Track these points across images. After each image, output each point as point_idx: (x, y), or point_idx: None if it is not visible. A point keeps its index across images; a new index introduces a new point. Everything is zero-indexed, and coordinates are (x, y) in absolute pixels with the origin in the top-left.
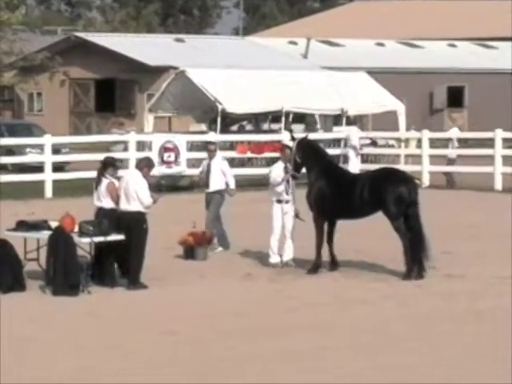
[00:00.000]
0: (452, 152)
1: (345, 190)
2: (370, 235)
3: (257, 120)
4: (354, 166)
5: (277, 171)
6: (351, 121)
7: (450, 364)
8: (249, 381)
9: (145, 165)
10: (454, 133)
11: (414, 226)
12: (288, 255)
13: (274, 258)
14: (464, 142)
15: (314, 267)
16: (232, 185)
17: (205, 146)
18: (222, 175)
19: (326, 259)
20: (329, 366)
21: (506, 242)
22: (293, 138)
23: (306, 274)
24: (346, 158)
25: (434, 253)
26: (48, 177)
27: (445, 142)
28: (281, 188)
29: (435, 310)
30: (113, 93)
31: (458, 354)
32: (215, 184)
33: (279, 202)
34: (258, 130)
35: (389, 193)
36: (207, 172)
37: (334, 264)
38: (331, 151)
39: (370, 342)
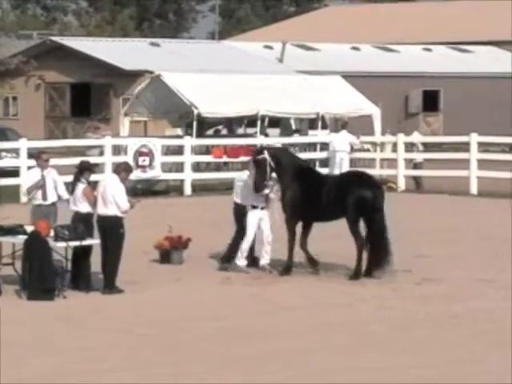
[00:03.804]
0: (419, 156)
1: (315, 193)
2: (344, 238)
3: (230, 124)
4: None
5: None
6: (326, 125)
7: (427, 366)
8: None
9: (123, 169)
10: (415, 137)
11: (378, 230)
12: (265, 259)
13: (241, 261)
14: (438, 146)
15: (287, 268)
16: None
17: (37, 155)
18: (54, 186)
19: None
20: (306, 367)
21: (482, 246)
22: (261, 149)
23: (279, 276)
24: (325, 161)
25: (408, 256)
26: (23, 181)
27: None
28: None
29: (411, 312)
30: (88, 97)
31: (436, 356)
32: (52, 195)
33: (254, 207)
34: (231, 133)
35: (350, 196)
36: (43, 183)
37: (314, 263)
38: (312, 155)
39: (347, 345)
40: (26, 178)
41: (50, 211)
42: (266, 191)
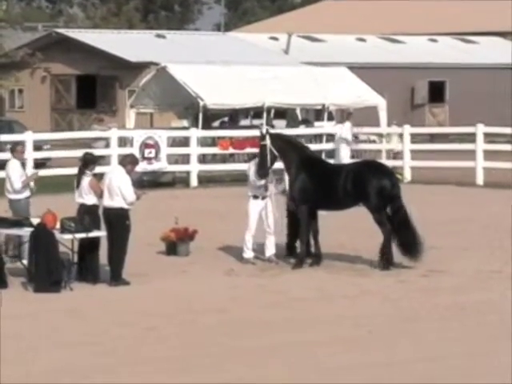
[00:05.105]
0: (398, 146)
1: (327, 182)
2: (352, 230)
3: (236, 115)
4: (345, 159)
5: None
6: (332, 116)
7: (434, 359)
8: (233, 376)
9: (129, 161)
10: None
11: (402, 217)
12: (270, 251)
13: (248, 254)
14: (444, 137)
15: (299, 262)
16: None
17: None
18: None
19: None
20: (313, 360)
21: (488, 237)
22: (263, 135)
23: (291, 269)
24: (332, 152)
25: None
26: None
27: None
28: (260, 184)
29: (418, 304)
30: (94, 89)
31: (443, 349)
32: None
33: (255, 197)
34: (235, 125)
35: (371, 186)
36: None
37: (317, 258)
38: (316, 146)
39: (353, 337)
40: (14, 172)
41: (28, 203)
42: (263, 182)
